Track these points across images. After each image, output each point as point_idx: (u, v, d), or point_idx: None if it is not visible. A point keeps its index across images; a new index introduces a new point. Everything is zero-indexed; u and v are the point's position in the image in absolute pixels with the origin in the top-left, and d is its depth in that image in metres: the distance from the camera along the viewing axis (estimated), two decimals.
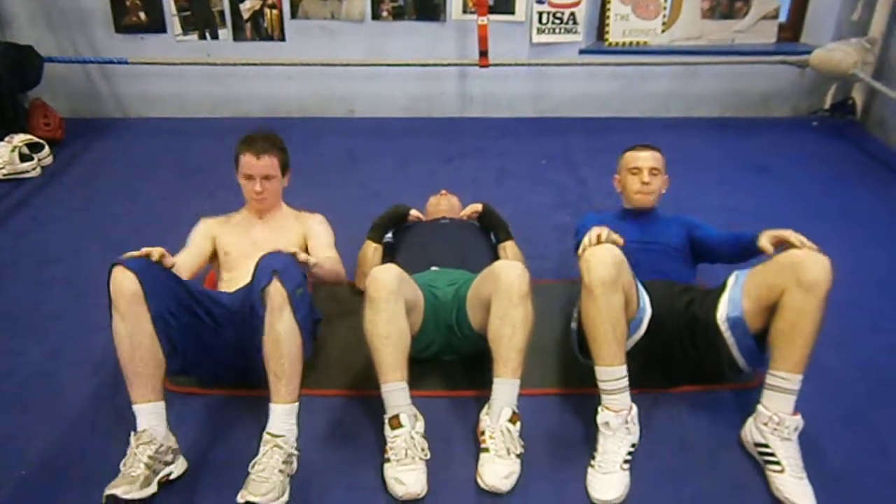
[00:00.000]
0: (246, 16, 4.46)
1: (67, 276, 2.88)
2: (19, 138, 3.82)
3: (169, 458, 1.84)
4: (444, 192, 2.96)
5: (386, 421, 1.92)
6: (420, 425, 1.94)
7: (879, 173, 3.95)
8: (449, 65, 4.56)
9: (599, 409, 1.93)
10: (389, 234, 2.76)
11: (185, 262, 2.25)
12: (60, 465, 1.95)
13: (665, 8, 4.49)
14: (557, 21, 4.48)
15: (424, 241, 2.61)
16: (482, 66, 4.35)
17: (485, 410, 1.99)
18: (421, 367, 2.19)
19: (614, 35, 4.56)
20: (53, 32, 4.45)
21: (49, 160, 3.98)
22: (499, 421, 1.91)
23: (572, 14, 4.45)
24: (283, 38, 4.52)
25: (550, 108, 4.77)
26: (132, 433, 1.82)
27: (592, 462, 1.90)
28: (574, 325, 2.19)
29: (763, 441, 1.90)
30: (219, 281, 2.41)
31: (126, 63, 4.38)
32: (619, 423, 1.89)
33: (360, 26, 4.49)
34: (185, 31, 4.49)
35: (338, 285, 2.56)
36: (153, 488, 1.76)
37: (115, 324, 1.85)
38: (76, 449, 2.01)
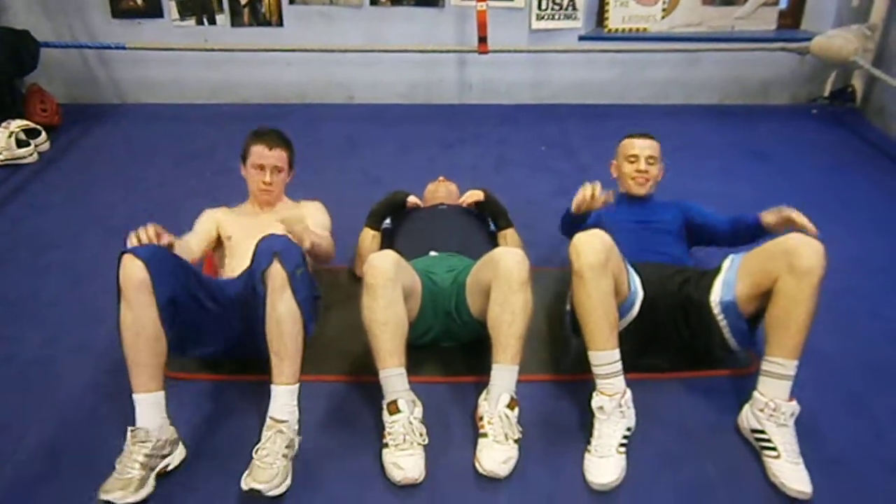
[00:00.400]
0: (244, 1, 4.43)
1: (65, 262, 2.88)
2: (16, 124, 3.81)
3: (166, 451, 1.84)
4: (442, 178, 2.95)
5: (384, 406, 1.93)
6: (418, 411, 1.94)
7: (879, 161, 3.94)
8: (448, 51, 4.54)
9: (594, 393, 1.94)
10: (388, 221, 2.76)
11: (192, 244, 2.29)
12: (58, 450, 1.95)
13: None
14: (557, 7, 4.45)
15: (423, 227, 2.61)
16: (481, 53, 4.33)
17: (483, 396, 2.00)
18: (419, 353, 2.19)
19: (614, 21, 4.53)
20: (50, 17, 4.42)
21: (46, 146, 3.96)
22: (497, 406, 1.92)
23: (572, 0, 4.43)
24: (281, 24, 4.49)
25: (550, 94, 4.76)
26: (129, 429, 1.81)
27: (589, 446, 1.91)
28: (568, 306, 2.20)
29: (759, 427, 1.91)
30: (220, 267, 2.43)
31: (123, 48, 4.35)
32: (613, 406, 1.90)
33: (358, 12, 4.46)
34: (183, 16, 4.46)
35: (328, 270, 2.56)
36: (149, 488, 1.77)
37: (122, 311, 1.84)
38: (74, 435, 2.01)
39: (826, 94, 4.73)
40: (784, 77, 4.73)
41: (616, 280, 1.96)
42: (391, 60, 4.57)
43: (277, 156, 2.44)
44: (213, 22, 4.48)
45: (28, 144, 3.82)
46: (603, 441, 1.89)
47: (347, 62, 4.60)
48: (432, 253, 2.43)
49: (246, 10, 4.46)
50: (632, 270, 2.12)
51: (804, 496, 1.78)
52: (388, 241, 2.64)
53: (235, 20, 4.48)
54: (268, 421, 1.86)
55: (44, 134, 3.95)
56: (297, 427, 1.89)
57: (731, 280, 2.04)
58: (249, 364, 2.10)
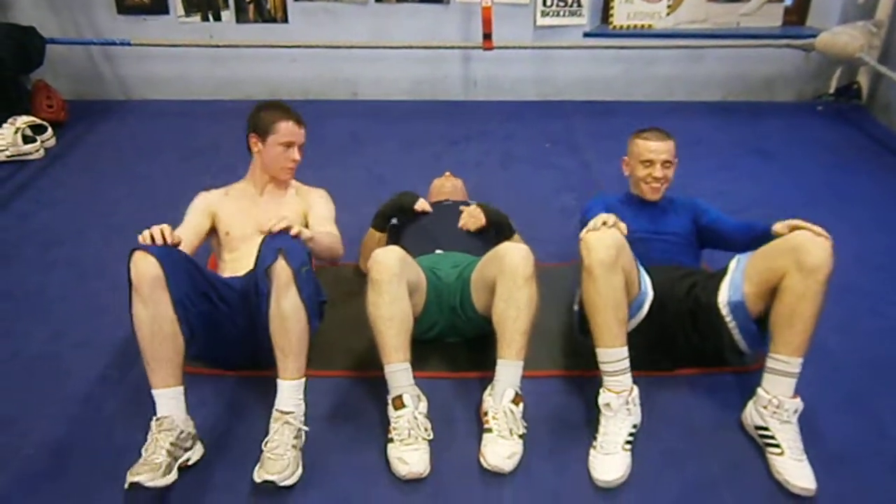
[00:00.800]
0: None
1: (71, 258, 2.89)
2: (22, 120, 3.82)
3: (188, 444, 1.85)
4: (447, 173, 2.95)
5: (389, 401, 1.93)
6: (423, 406, 1.95)
7: (884, 158, 3.93)
8: (452, 47, 4.54)
9: (601, 390, 1.94)
10: (394, 219, 2.74)
11: (184, 241, 2.20)
12: (64, 446, 1.96)
13: None
14: (562, 4, 4.44)
15: (429, 225, 2.60)
16: (486, 49, 4.32)
17: (488, 391, 2.00)
18: (424, 349, 2.20)
19: (619, 18, 4.53)
20: (55, 13, 4.43)
21: (52, 142, 3.98)
22: (502, 402, 1.93)
23: None
24: (286, 20, 4.50)
25: (554, 91, 4.75)
26: (153, 419, 1.82)
27: (594, 443, 1.91)
28: (576, 306, 2.20)
29: (763, 424, 1.91)
30: (220, 261, 2.39)
31: (129, 44, 4.36)
32: (619, 404, 1.90)
33: (363, 8, 4.46)
34: (188, 12, 4.47)
35: (334, 265, 2.56)
36: (174, 475, 1.75)
37: (136, 308, 1.84)
38: (80, 430, 2.02)
39: (831, 90, 4.71)
40: (789, 74, 4.72)
41: (627, 277, 1.95)
42: (396, 57, 4.57)
43: (304, 133, 2.41)
44: (218, 18, 4.49)
45: (34, 140, 3.83)
46: (609, 438, 1.89)
47: (352, 58, 4.59)
48: (438, 251, 2.43)
49: (251, 7, 4.46)
50: (643, 270, 2.11)
51: (808, 493, 1.78)
52: (394, 240, 2.62)
53: (240, 16, 4.49)
54: (274, 413, 1.87)
55: (50, 130, 3.96)
56: (303, 418, 1.91)
57: (738, 280, 2.03)
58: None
